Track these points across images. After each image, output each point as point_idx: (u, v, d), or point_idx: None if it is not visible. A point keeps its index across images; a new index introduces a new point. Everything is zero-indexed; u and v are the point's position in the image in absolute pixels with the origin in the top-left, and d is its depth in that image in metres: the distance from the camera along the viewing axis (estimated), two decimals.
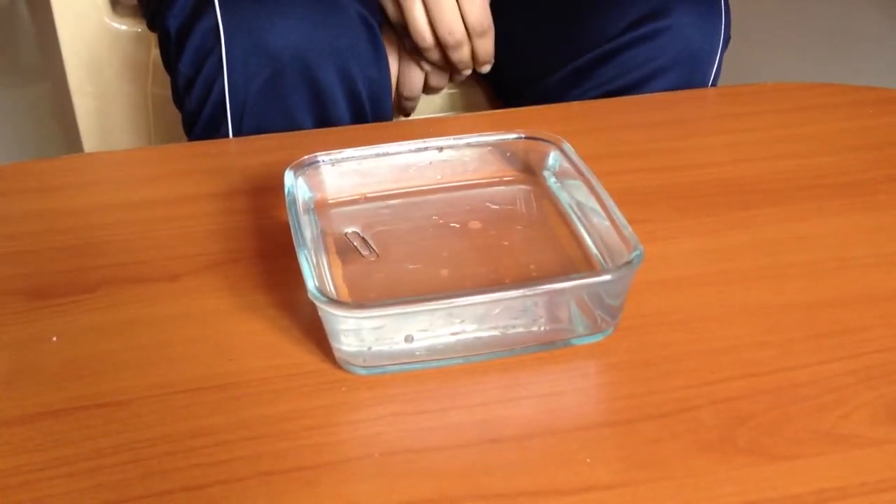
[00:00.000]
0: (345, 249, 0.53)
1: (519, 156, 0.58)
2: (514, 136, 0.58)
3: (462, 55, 0.74)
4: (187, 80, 0.71)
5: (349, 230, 0.51)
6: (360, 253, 0.50)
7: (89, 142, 0.94)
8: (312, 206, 0.55)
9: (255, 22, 0.67)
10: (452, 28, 0.72)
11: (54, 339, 0.49)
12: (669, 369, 0.47)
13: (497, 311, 0.46)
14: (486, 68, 0.77)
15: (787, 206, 0.60)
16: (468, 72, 0.79)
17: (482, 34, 0.74)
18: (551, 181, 0.58)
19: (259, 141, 0.68)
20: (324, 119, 0.71)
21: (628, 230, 0.49)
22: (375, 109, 0.74)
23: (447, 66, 0.77)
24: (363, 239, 0.50)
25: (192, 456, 0.42)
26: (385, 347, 0.46)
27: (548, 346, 0.48)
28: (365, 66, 0.71)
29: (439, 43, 0.74)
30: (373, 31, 0.71)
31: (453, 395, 0.46)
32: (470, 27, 0.73)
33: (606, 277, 0.47)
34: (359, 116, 0.73)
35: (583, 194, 0.54)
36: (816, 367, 0.48)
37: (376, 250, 0.50)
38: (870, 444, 0.43)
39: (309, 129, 0.71)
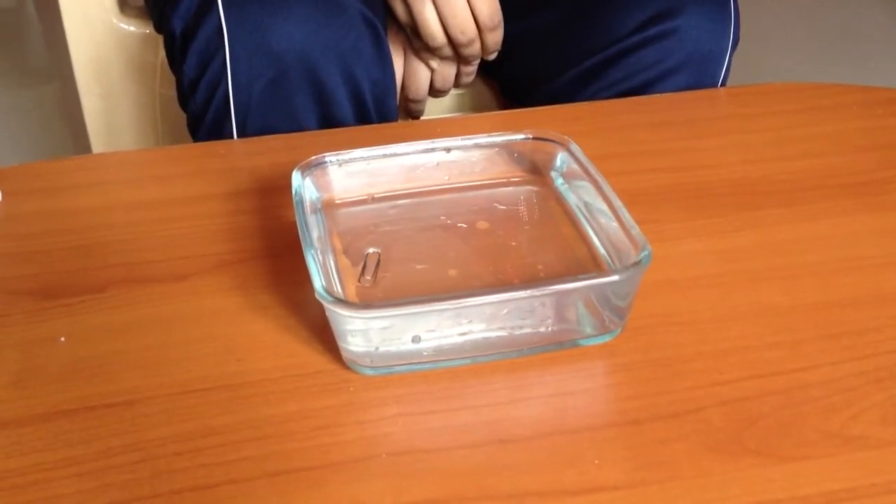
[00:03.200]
0: (352, 255, 0.53)
1: (526, 156, 0.58)
2: (521, 136, 0.58)
3: (473, 50, 0.75)
4: (192, 82, 0.71)
5: (372, 250, 0.51)
6: (362, 275, 0.50)
7: (97, 142, 0.94)
8: (320, 206, 0.55)
9: (258, 24, 0.67)
10: (465, 28, 0.73)
11: (63, 339, 0.49)
12: (678, 370, 0.47)
13: (505, 311, 0.46)
14: (492, 56, 0.78)
15: (796, 207, 0.60)
16: (475, 67, 0.79)
17: (493, 28, 0.74)
18: (559, 182, 0.58)
19: (266, 141, 0.68)
20: (328, 120, 0.71)
21: (636, 230, 0.49)
22: (379, 110, 0.74)
23: (455, 58, 0.77)
24: (378, 262, 0.50)
25: (200, 456, 0.42)
26: (392, 348, 0.46)
27: (556, 347, 0.48)
28: (369, 68, 0.71)
29: (450, 41, 0.74)
30: (376, 32, 0.71)
31: (461, 395, 0.46)
32: (481, 23, 0.73)
33: (614, 278, 0.47)
34: (363, 117, 0.73)
35: (590, 195, 0.54)
36: (826, 367, 0.47)
37: (374, 278, 0.50)
38: (880, 445, 0.43)
39: (313, 130, 0.71)
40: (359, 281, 0.50)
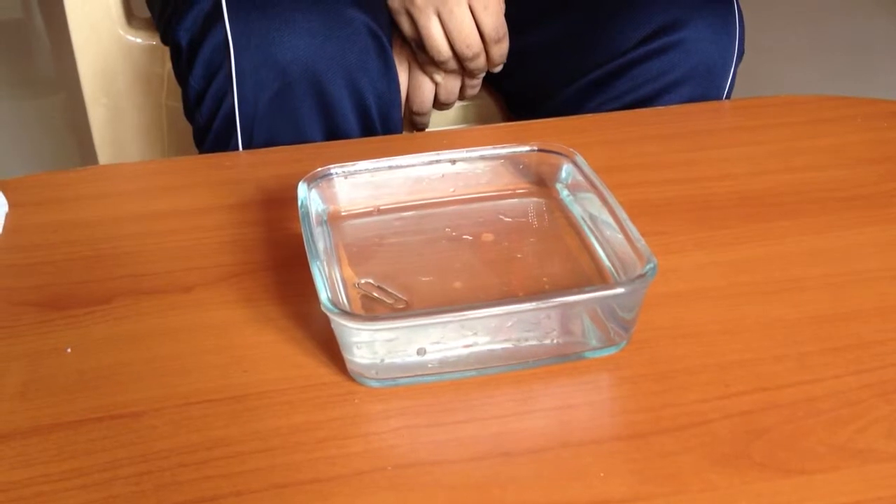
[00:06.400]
0: (357, 267, 0.53)
1: (532, 168, 0.58)
2: (526, 148, 0.58)
3: (478, 63, 0.75)
4: (198, 94, 0.71)
5: (361, 281, 0.51)
6: (386, 303, 0.50)
7: (104, 153, 0.94)
8: (325, 218, 0.55)
9: (264, 36, 0.67)
10: (470, 41, 0.73)
11: (69, 350, 0.49)
12: (683, 383, 0.47)
13: (510, 323, 0.46)
14: (497, 69, 0.78)
15: (801, 219, 0.60)
16: (479, 80, 0.79)
17: (498, 41, 0.74)
18: (564, 194, 0.58)
19: (272, 153, 0.69)
20: (333, 132, 0.72)
21: (641, 243, 0.49)
22: (384, 122, 0.74)
23: (460, 71, 0.77)
24: (379, 287, 0.50)
25: (206, 468, 0.42)
26: (398, 360, 0.46)
27: (561, 359, 0.48)
28: (374, 80, 0.71)
29: (455, 54, 0.74)
30: (381, 45, 0.71)
31: (466, 407, 0.46)
32: (486, 36, 0.73)
33: (619, 290, 0.46)
34: (368, 129, 0.73)
35: (595, 207, 0.54)
36: (832, 380, 0.47)
37: (401, 297, 0.50)
38: (886, 459, 0.43)
39: (318, 142, 0.71)
40: (390, 304, 0.50)
